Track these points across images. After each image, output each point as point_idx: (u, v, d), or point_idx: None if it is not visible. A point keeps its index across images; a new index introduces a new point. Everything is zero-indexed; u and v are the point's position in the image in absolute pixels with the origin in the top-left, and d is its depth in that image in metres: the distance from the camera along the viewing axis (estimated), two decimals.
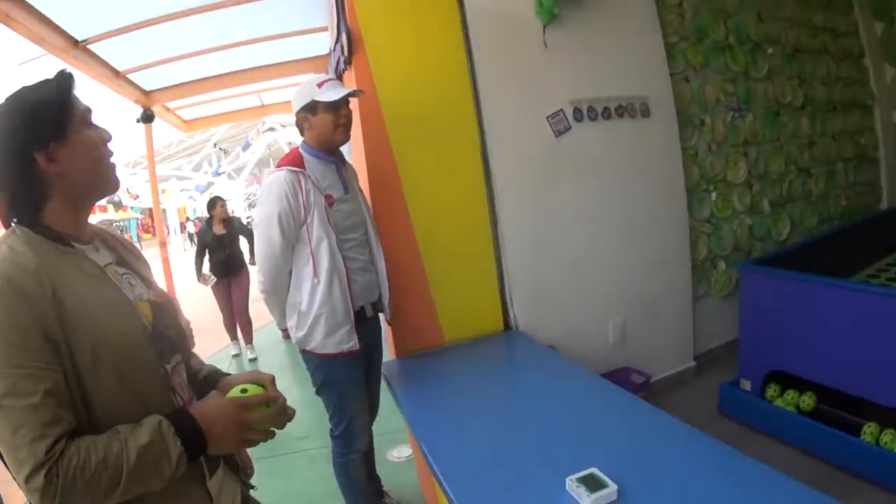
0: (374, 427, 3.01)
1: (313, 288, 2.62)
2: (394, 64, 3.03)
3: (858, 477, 2.83)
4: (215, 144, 25.42)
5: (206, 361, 1.63)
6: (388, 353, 3.18)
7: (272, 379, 1.44)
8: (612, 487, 1.54)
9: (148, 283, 1.48)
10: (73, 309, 1.17)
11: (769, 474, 1.58)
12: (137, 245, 1.74)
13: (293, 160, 2.67)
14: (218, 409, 1.29)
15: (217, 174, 26.73)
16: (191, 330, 1.60)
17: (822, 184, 5.02)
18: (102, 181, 1.34)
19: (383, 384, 2.91)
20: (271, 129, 21.65)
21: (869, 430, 2.90)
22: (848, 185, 5.38)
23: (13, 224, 1.28)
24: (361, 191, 2.84)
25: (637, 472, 1.65)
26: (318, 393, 2.75)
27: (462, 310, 3.16)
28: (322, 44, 5.03)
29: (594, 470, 1.61)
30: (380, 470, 3.31)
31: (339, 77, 3.25)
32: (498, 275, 3.27)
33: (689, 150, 3.99)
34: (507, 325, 3.28)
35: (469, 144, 3.18)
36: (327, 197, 2.64)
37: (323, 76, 2.72)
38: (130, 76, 5.16)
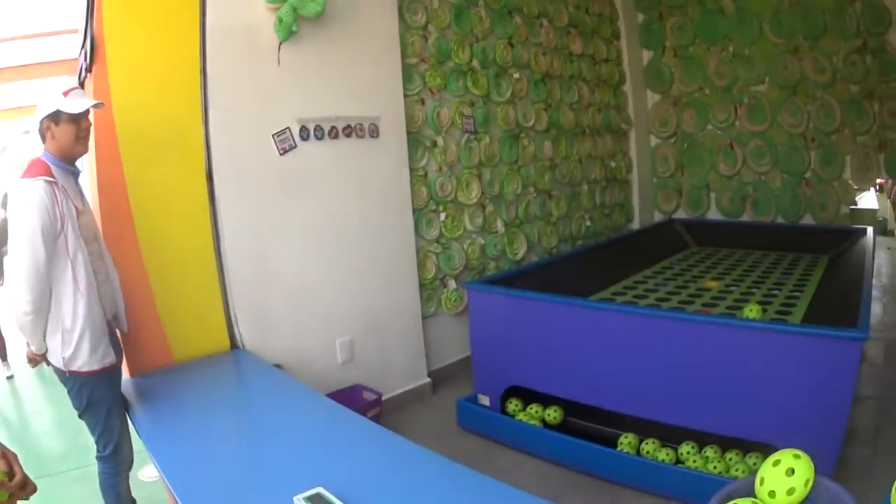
0: None
1: (76, 301, 2.51)
2: (130, 74, 2.95)
3: (618, 484, 2.99)
4: None
5: None
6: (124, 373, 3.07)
7: (15, 456, 1.34)
8: None
9: None
10: None
11: (499, 488, 1.69)
12: None
13: (44, 170, 2.53)
14: None
15: None
16: None
17: (564, 205, 5.36)
18: None
19: None
20: (27, 132, 20.28)
21: (626, 440, 3.11)
22: (594, 206, 5.80)
23: None
24: (88, 202, 2.77)
25: (364, 490, 1.72)
26: (81, 416, 2.62)
27: (189, 328, 3.13)
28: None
29: (320, 489, 1.66)
30: (134, 490, 3.22)
31: (81, 85, 3.12)
32: (222, 292, 3.25)
33: (418, 170, 4.13)
34: (233, 344, 3.28)
35: (195, 160, 3.15)
36: (76, 207, 2.56)
37: (69, 84, 2.60)
38: None
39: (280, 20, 3.30)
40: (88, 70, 3.01)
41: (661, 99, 6.40)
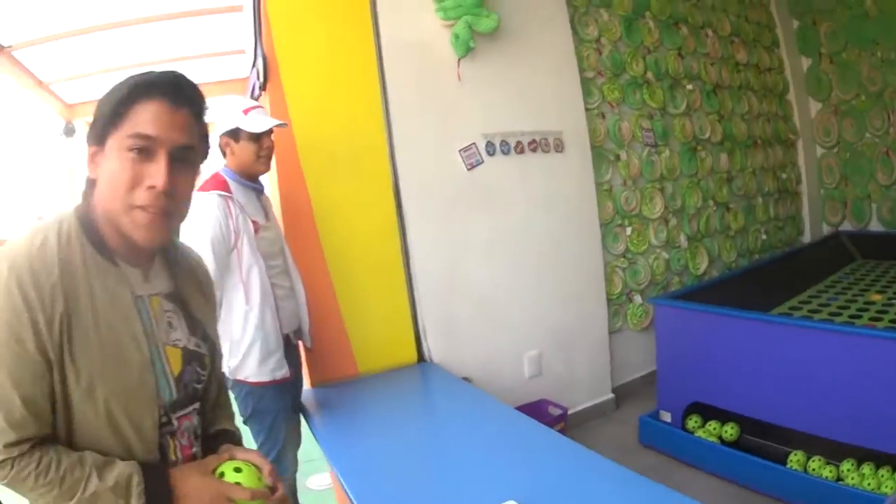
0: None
1: (246, 315, 2.54)
2: (308, 92, 3.00)
3: (787, 502, 2.83)
4: None
5: None
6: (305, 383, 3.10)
7: (271, 470, 1.31)
8: None
9: (193, 326, 1.35)
10: (80, 340, 1.10)
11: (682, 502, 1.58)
12: None
13: (219, 184, 2.59)
14: (199, 486, 1.19)
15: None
16: (223, 378, 1.51)
17: (742, 218, 5.11)
18: (118, 221, 1.16)
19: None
20: None
21: (795, 457, 2.93)
22: (768, 219, 5.49)
23: (68, 212, 1.18)
24: (276, 218, 2.80)
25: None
26: (246, 422, 2.63)
27: (375, 341, 3.11)
28: (241, 65, 4.98)
29: (512, 502, 1.60)
30: (300, 498, 3.23)
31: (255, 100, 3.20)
32: (410, 306, 3.22)
33: (603, 185, 4.01)
34: (420, 357, 3.23)
35: (381, 176, 3.15)
36: (254, 223, 2.59)
37: (250, 102, 2.67)
38: (54, 87, 5.00)
39: (456, 37, 3.29)
40: (262, 88, 3.06)
41: (822, 107, 5.99)
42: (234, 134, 2.57)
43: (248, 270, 2.54)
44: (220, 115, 2.65)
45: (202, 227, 2.51)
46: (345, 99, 3.08)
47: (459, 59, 3.35)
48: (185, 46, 4.56)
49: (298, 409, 2.85)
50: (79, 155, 5.73)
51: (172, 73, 1.19)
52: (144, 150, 1.14)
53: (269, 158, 2.65)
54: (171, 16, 3.98)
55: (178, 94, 1.18)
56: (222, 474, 1.24)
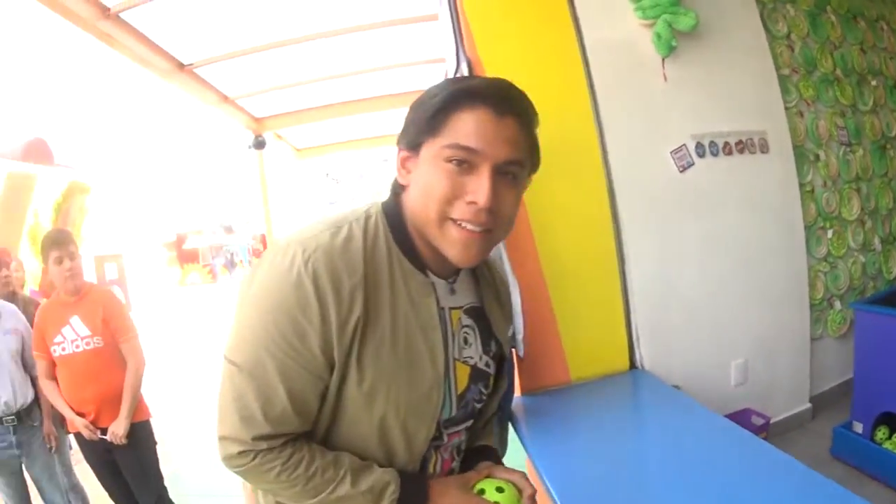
0: None
1: None
2: None
3: None
4: (327, 174, 25.41)
5: None
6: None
7: (532, 495, 1.26)
8: None
9: (487, 343, 1.30)
10: (373, 347, 1.06)
11: None
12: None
13: None
14: (458, 502, 1.16)
15: (331, 204, 26.72)
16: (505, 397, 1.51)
17: None
18: (425, 229, 1.13)
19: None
20: (386, 160, 21.49)
21: None
22: None
23: (377, 205, 1.18)
24: None
25: None
26: None
27: (588, 348, 3.06)
28: (439, 75, 5.00)
29: None
30: None
31: None
32: (624, 312, 3.17)
33: (805, 186, 3.88)
34: (632, 364, 3.18)
35: (594, 178, 3.10)
36: None
37: None
38: (240, 102, 5.14)
39: (658, 36, 3.20)
40: None
41: None
42: None
43: None
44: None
45: None
46: (553, 101, 3.01)
47: (664, 59, 3.27)
48: (373, 58, 4.59)
49: (507, 419, 2.80)
50: (269, 165, 5.84)
51: (499, 80, 1.16)
52: (465, 162, 1.08)
53: None
54: (357, 28, 4.02)
55: (505, 103, 1.12)
56: (482, 491, 1.20)
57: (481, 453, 1.38)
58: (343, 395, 1.08)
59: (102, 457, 3.48)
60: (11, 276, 4.31)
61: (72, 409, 3.39)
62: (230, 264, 31.18)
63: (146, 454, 3.54)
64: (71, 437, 3.84)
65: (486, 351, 1.29)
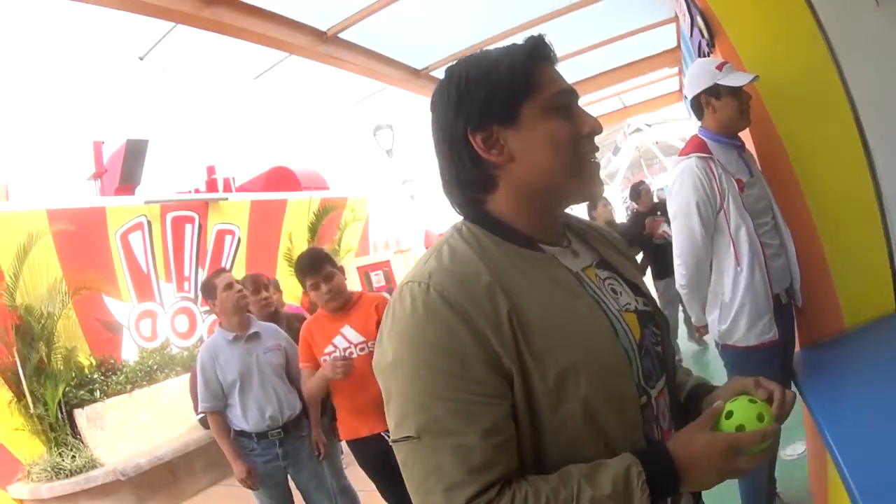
0: None
1: (736, 276, 2.59)
2: (754, 39, 2.93)
3: None
4: None
5: None
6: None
7: (779, 396, 1.16)
8: None
9: (636, 286, 1.27)
10: (539, 331, 1.00)
11: None
12: None
13: (698, 146, 2.65)
14: (705, 450, 1.03)
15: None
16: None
17: None
18: (569, 183, 1.12)
19: None
20: (637, 130, 21.50)
21: None
22: None
23: (461, 220, 1.16)
24: (761, 174, 2.72)
25: None
26: None
27: (858, 292, 2.92)
28: (667, 37, 4.96)
29: None
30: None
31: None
32: (888, 248, 2.97)
33: None
34: None
35: (842, 115, 2.94)
36: (738, 181, 2.57)
37: (717, 59, 2.70)
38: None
39: None
40: (711, 45, 3.04)
41: None
42: (714, 92, 2.61)
43: (737, 230, 2.56)
44: (691, 77, 2.64)
45: (686, 191, 2.55)
46: (787, 39, 2.95)
47: None
48: (610, 28, 4.60)
49: (790, 374, 2.75)
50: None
51: (540, 35, 1.14)
52: (567, 105, 1.11)
53: (749, 112, 2.64)
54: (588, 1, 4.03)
55: (552, 53, 1.15)
56: (730, 413, 1.08)
57: (698, 393, 1.32)
58: (534, 402, 1.00)
59: (379, 458, 3.41)
60: (271, 297, 4.54)
61: (350, 413, 3.53)
62: None
63: None
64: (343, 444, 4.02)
65: (638, 294, 1.25)
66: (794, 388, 2.53)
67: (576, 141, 1.11)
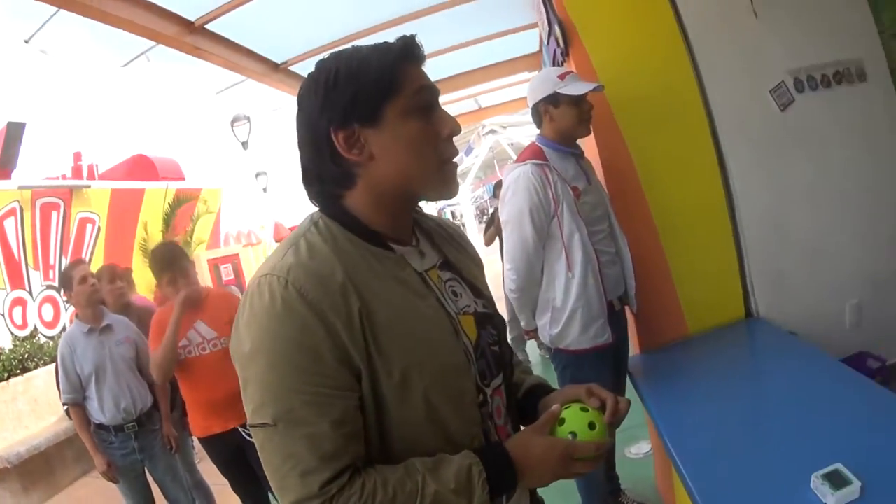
0: None
1: (567, 282, 2.59)
2: (610, 50, 2.96)
3: None
4: None
5: None
6: (633, 349, 3.11)
7: (611, 404, 1.24)
8: (856, 485, 1.44)
9: (476, 288, 1.31)
10: (386, 329, 1.04)
11: None
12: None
13: (535, 153, 2.63)
14: (542, 454, 1.11)
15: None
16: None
17: None
18: (426, 184, 1.15)
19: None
20: (492, 131, 21.49)
21: None
22: None
23: (317, 213, 1.17)
24: (600, 182, 2.73)
25: (881, 467, 1.53)
26: None
27: (704, 299, 3.04)
28: (530, 41, 4.94)
29: (839, 465, 1.50)
30: (618, 467, 3.29)
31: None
32: (738, 259, 3.10)
33: None
34: (748, 313, 3.12)
35: (697, 124, 3.04)
36: (573, 189, 2.57)
37: (562, 69, 2.71)
38: None
39: None
40: (565, 54, 3.03)
41: None
42: (553, 100, 2.60)
43: (570, 237, 2.59)
44: (534, 85, 2.65)
45: (519, 197, 2.58)
46: (647, 50, 3.01)
47: None
48: (471, 30, 4.56)
49: (624, 376, 2.84)
50: None
51: (412, 36, 1.15)
52: (430, 104, 1.14)
53: (590, 121, 2.67)
54: (451, 2, 4.02)
55: (421, 53, 1.16)
56: (562, 421, 1.16)
57: (535, 394, 1.38)
58: (381, 396, 1.05)
59: (233, 454, 3.51)
60: (125, 287, 4.57)
61: (203, 409, 3.50)
62: None
63: None
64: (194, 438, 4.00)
65: (477, 295, 1.30)
66: (634, 390, 2.58)
67: (435, 142, 1.13)
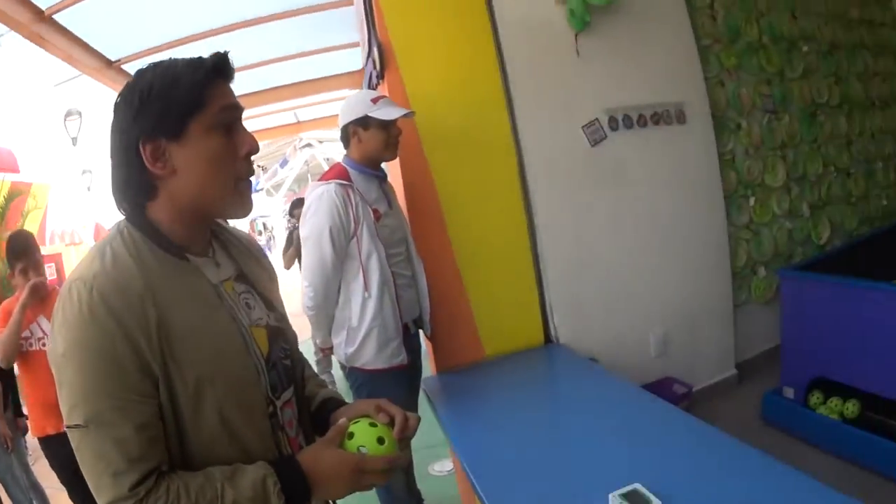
0: (418, 441, 2.95)
1: (364, 302, 2.62)
2: (426, 78, 3.02)
3: None
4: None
5: None
6: (429, 370, 3.15)
7: (400, 420, 1.29)
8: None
9: (269, 302, 1.34)
10: (180, 340, 1.06)
11: (814, 486, 1.52)
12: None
13: (339, 174, 2.66)
14: (334, 467, 1.15)
15: (256, 191, 26.37)
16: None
17: (862, 184, 4.89)
18: (222, 200, 1.17)
19: (424, 399, 2.87)
20: (308, 145, 21.20)
21: None
22: (889, 184, 5.23)
23: (123, 221, 1.16)
24: (400, 207, 2.84)
25: (681, 487, 1.58)
26: None
27: (502, 324, 3.12)
28: (354, 59, 5.04)
29: (637, 486, 1.55)
30: (422, 484, 3.31)
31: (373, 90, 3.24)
32: (538, 287, 3.22)
33: (725, 155, 3.92)
34: (547, 339, 3.23)
35: (505, 156, 3.15)
36: (374, 211, 2.64)
37: (375, 92, 2.73)
38: None
39: (572, 12, 3.24)
40: (380, 77, 3.09)
41: None
42: (363, 122, 2.64)
43: (367, 258, 2.61)
44: (346, 106, 2.71)
45: (321, 216, 2.59)
46: (464, 81, 3.08)
47: (577, 34, 3.30)
48: (297, 43, 4.62)
49: (417, 396, 2.90)
50: None
51: (225, 53, 1.17)
52: (233, 123, 1.16)
53: (397, 146, 2.70)
54: (282, 14, 4.04)
55: (232, 70, 1.19)
56: (351, 435, 1.19)
57: (328, 406, 1.41)
58: (177, 405, 1.07)
59: (66, 457, 3.36)
60: None
61: (42, 408, 3.39)
62: None
63: None
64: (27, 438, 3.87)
65: (270, 309, 1.32)
66: (430, 409, 2.63)
67: (233, 160, 1.15)
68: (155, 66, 1.14)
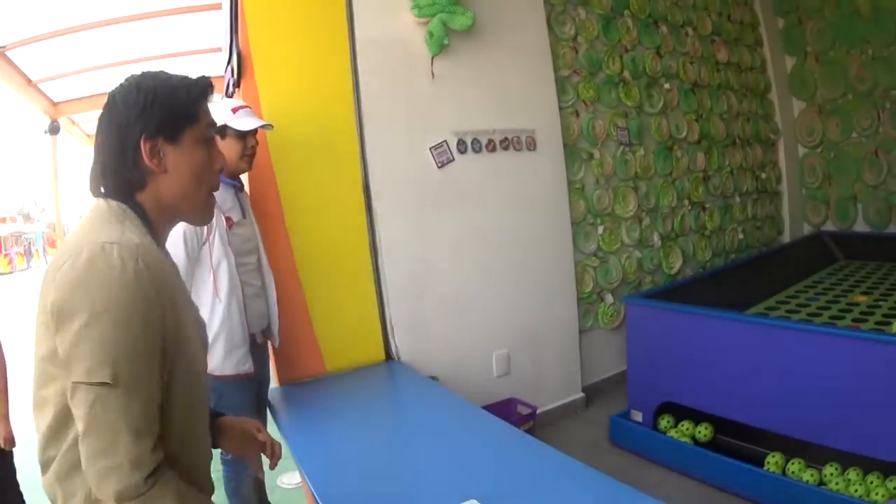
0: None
1: (213, 307, 2.58)
2: (280, 89, 3.01)
3: None
4: None
5: None
6: (273, 381, 3.13)
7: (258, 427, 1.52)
8: None
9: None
10: (184, 330, 1.15)
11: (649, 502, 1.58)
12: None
13: None
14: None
15: None
16: None
17: (718, 218, 5.12)
18: (197, 206, 1.27)
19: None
20: None
21: (773, 459, 2.90)
22: (746, 218, 5.50)
23: (119, 203, 1.20)
24: (254, 218, 2.82)
25: (514, 501, 1.65)
26: None
27: (343, 339, 3.13)
28: (215, 64, 4.98)
29: (474, 502, 1.60)
30: (270, 495, 3.24)
31: (229, 98, 3.20)
32: (379, 305, 3.23)
33: (575, 183, 4.02)
34: (388, 356, 3.25)
35: (350, 173, 3.16)
36: (227, 219, 2.62)
37: (238, 102, 2.71)
38: (41, 86, 5.09)
39: (431, 34, 3.29)
40: (237, 85, 3.08)
41: (806, 107, 5.99)
42: (221, 131, 2.61)
43: (218, 264, 2.59)
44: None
45: None
46: (317, 96, 3.09)
47: (433, 57, 3.34)
48: (167, 44, 4.56)
49: (264, 407, 2.87)
50: (62, 152, 5.76)
51: (209, 78, 1.29)
52: (211, 140, 1.28)
53: (253, 157, 2.70)
54: (154, 14, 4.00)
55: (213, 91, 1.31)
56: None
57: (211, 412, 1.48)
58: (173, 384, 1.13)
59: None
60: None
61: None
62: (28, 253, 30.28)
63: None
64: None
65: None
66: (271, 420, 2.65)
67: (210, 172, 1.27)
68: (154, 76, 1.23)
